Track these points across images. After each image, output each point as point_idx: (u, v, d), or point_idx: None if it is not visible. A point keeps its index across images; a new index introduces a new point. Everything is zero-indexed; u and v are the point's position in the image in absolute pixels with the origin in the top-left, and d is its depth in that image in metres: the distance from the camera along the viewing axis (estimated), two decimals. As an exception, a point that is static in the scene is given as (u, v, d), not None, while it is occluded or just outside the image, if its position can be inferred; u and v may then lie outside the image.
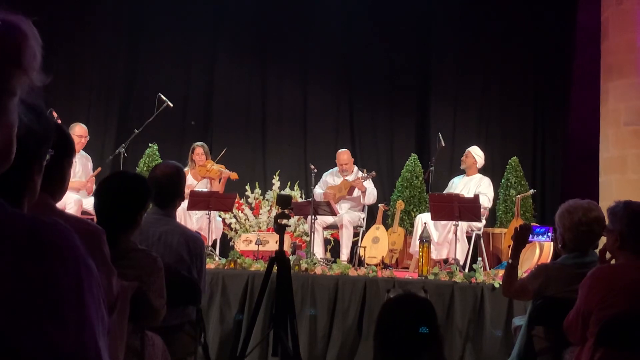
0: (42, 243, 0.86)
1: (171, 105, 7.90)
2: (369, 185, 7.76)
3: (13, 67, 0.92)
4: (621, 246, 3.12)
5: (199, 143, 7.98)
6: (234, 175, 7.78)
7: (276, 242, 4.69)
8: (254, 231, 8.14)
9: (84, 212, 7.07)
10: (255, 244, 6.99)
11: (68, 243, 0.89)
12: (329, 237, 8.23)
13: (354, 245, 7.57)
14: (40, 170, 1.23)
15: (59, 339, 0.82)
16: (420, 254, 6.04)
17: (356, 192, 7.76)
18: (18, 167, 1.04)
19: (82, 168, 7.55)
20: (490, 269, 6.63)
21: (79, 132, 7.44)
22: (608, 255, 3.28)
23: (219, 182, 7.81)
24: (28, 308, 0.81)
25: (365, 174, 7.65)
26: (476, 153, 7.81)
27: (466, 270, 6.40)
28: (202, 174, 7.81)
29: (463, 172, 7.92)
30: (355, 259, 7.21)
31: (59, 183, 2.18)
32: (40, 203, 1.73)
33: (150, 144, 8.68)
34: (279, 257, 4.28)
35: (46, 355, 0.81)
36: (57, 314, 0.83)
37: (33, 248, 0.85)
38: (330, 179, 8.04)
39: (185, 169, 7.37)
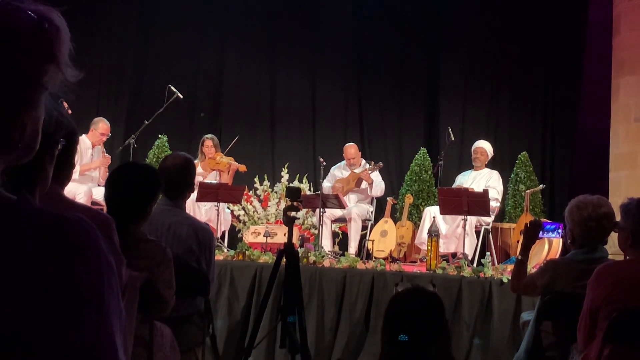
0: (65, 241, 0.85)
1: (181, 96, 7.91)
2: (377, 177, 7.75)
3: (47, 63, 0.90)
4: (632, 244, 3.11)
5: (209, 135, 7.98)
6: (242, 168, 7.78)
7: (284, 235, 4.69)
8: (262, 223, 8.14)
9: (94, 203, 7.10)
10: (264, 236, 7.00)
11: (91, 241, 0.88)
12: (337, 230, 8.23)
13: (362, 238, 7.57)
14: (52, 160, 1.24)
15: (75, 338, 0.82)
16: (429, 247, 6.02)
17: (364, 184, 7.76)
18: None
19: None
20: (498, 263, 6.62)
21: (102, 129, 7.47)
22: None
23: (227, 174, 7.81)
24: (45, 306, 0.81)
25: (372, 166, 7.65)
26: (485, 147, 7.80)
27: (474, 264, 6.39)
28: (211, 166, 7.81)
29: (471, 167, 7.90)
30: (363, 252, 7.21)
31: (67, 172, 2.22)
32: (50, 193, 1.73)
33: (159, 135, 8.69)
34: (288, 250, 4.28)
35: (61, 353, 0.81)
36: (75, 313, 0.83)
37: (55, 246, 0.85)
38: (338, 172, 8.03)
39: (195, 161, 7.37)
